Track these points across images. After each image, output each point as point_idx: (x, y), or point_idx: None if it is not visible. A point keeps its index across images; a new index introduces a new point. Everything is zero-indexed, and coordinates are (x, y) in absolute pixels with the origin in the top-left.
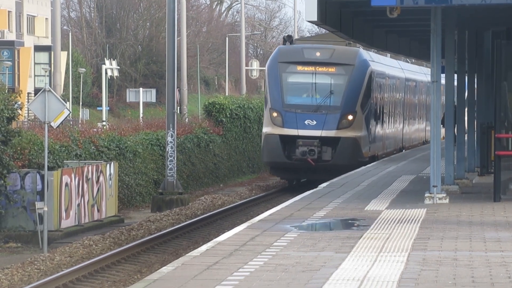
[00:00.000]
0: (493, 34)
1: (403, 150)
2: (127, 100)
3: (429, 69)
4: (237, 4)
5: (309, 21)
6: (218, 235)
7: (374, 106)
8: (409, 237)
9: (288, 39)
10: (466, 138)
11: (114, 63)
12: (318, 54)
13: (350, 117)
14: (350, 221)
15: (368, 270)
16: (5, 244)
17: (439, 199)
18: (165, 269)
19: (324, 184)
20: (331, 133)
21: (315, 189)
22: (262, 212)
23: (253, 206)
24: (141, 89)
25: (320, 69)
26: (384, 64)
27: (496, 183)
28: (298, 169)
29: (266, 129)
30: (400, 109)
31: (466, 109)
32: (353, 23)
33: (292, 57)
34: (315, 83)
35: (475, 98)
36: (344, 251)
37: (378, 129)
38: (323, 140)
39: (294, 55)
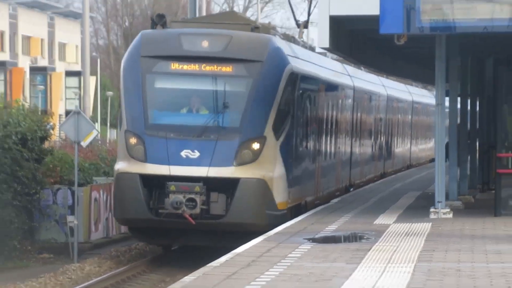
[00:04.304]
0: (494, 60)
1: (351, 189)
2: None
3: (390, 81)
4: None
5: (321, 48)
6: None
7: (297, 127)
8: (415, 249)
9: (159, 20)
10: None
11: None
12: (205, 44)
13: (256, 146)
14: (360, 234)
15: (377, 280)
16: (39, 255)
17: (444, 214)
18: (187, 279)
19: (335, 200)
20: (225, 171)
21: (326, 204)
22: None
23: None
24: None
25: (209, 68)
26: (317, 65)
27: (497, 199)
28: (169, 230)
29: (119, 165)
30: (345, 131)
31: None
32: (363, 50)
33: (162, 48)
34: (199, 90)
35: (477, 120)
36: (355, 262)
37: (306, 163)
38: (211, 183)
39: (166, 45)
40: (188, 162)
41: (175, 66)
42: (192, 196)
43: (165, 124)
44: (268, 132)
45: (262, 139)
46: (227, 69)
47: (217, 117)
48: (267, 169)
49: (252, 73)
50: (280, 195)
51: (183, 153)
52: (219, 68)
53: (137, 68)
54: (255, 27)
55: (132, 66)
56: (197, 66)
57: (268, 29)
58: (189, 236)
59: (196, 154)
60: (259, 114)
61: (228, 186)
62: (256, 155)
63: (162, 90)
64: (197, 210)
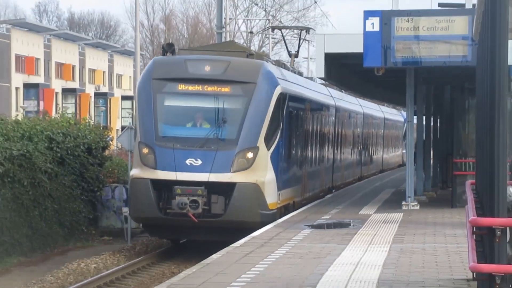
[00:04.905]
0: (451, 88)
1: (333, 190)
2: None
3: (366, 102)
4: None
5: (318, 77)
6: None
7: (286, 139)
8: (390, 233)
9: (169, 48)
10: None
11: None
12: (207, 68)
13: (250, 155)
14: (348, 222)
15: (361, 257)
16: (101, 238)
17: (412, 206)
18: (215, 256)
19: (329, 195)
20: (223, 177)
21: (322, 199)
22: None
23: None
24: None
25: (210, 88)
26: (304, 87)
27: (453, 195)
28: (176, 227)
29: (134, 172)
30: (328, 142)
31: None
32: (351, 79)
33: (171, 71)
34: (202, 107)
35: (438, 133)
36: (344, 244)
37: (294, 169)
38: (212, 187)
39: (174, 69)
40: (192, 169)
41: (181, 87)
42: (195, 198)
43: (173, 137)
44: (261, 143)
45: (255, 149)
46: (225, 89)
47: (217, 131)
48: (259, 174)
49: (247, 93)
50: (271, 197)
51: (188, 161)
52: (219, 88)
53: (149, 88)
54: (250, 54)
55: (145, 87)
56: (200, 87)
57: (261, 55)
58: (193, 232)
59: (199, 162)
60: (253, 127)
61: (226, 189)
62: (250, 163)
63: (170, 107)
64: (200, 210)
